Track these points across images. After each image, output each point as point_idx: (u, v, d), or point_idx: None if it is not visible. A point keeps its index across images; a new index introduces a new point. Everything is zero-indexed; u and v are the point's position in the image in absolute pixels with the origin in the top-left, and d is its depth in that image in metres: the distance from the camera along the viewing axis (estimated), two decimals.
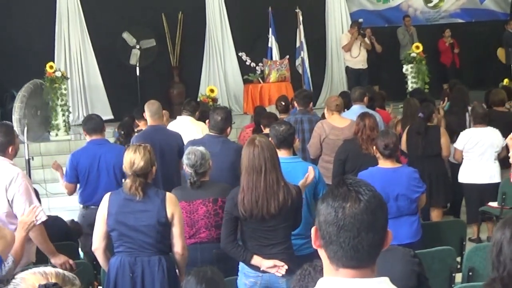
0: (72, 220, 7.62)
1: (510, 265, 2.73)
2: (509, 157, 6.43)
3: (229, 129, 7.44)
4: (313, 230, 2.31)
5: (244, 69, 16.35)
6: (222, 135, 7.25)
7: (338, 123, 8.38)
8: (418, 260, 4.79)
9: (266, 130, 7.96)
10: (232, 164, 6.63)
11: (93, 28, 16.00)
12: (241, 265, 5.35)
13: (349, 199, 2.23)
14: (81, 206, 7.78)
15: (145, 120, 8.53)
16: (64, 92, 13.36)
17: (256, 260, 5.21)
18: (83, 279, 5.86)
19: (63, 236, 6.82)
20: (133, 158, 5.29)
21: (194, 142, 6.95)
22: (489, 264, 2.88)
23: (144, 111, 8.43)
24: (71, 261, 5.89)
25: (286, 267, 5.16)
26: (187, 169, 6.02)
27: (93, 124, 7.82)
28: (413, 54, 15.38)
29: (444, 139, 8.63)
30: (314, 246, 2.32)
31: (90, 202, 7.60)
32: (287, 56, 15.72)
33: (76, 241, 7.23)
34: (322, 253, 2.31)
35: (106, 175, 7.57)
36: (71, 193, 7.91)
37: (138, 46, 15.64)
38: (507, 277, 2.74)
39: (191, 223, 5.96)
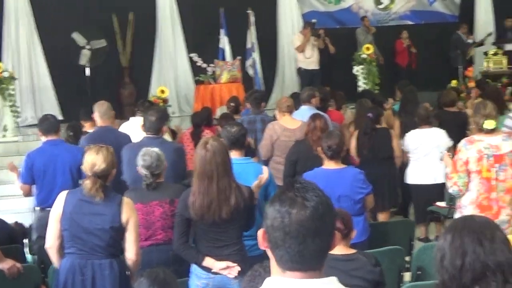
0: (16, 222, 7.51)
1: (451, 269, 2.78)
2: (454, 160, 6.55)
3: (164, 128, 7.40)
4: (260, 232, 2.32)
5: (196, 69, 16.30)
6: (159, 135, 7.20)
7: (289, 125, 8.40)
8: (379, 269, 4.87)
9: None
10: (171, 165, 6.57)
11: (43, 27, 15.80)
12: (193, 266, 5.33)
13: (295, 205, 2.22)
14: (37, 208, 7.69)
15: (91, 121, 8.47)
16: (12, 92, 13.16)
17: (208, 261, 5.19)
18: (31, 282, 5.83)
19: (7, 238, 6.71)
20: (94, 159, 5.24)
21: (132, 146, 6.94)
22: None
23: (91, 112, 8.38)
24: (18, 265, 5.82)
25: (238, 268, 5.15)
26: (142, 171, 5.97)
27: (48, 124, 7.73)
28: (364, 56, 15.53)
29: (395, 141, 8.70)
30: (261, 247, 2.33)
31: (46, 204, 7.47)
32: (239, 57, 15.73)
33: (21, 243, 7.13)
34: (269, 253, 2.31)
35: (62, 175, 7.46)
36: (27, 194, 7.79)
37: (88, 47, 15.49)
38: (449, 281, 2.79)
39: (147, 225, 5.91)
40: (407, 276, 5.94)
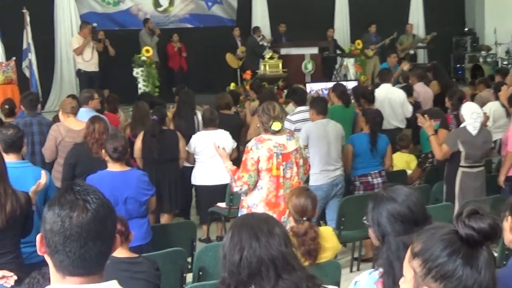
0: None
1: (229, 265, 2.84)
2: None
3: None
4: (38, 237, 2.25)
5: None
6: None
7: (74, 126, 8.25)
8: (159, 273, 4.90)
9: None
10: None
11: None
12: None
13: (76, 208, 2.18)
14: None
15: None
16: None
17: None
18: None
19: None
20: None
21: None
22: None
23: None
24: None
25: (15, 277, 4.97)
26: None
27: None
28: (143, 58, 15.52)
29: (182, 143, 8.75)
30: (39, 253, 2.26)
31: None
32: (14, 58, 15.16)
33: None
34: (48, 260, 2.25)
35: None
36: None
37: None
38: (228, 277, 2.85)
39: None
40: (189, 277, 5.98)
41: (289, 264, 2.87)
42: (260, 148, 6.36)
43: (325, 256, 5.22)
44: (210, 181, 8.80)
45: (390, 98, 11.11)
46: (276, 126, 6.36)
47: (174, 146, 8.69)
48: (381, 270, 3.09)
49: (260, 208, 6.36)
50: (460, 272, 2.10)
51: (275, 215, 6.26)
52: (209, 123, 8.88)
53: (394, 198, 3.16)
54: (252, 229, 2.87)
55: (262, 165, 6.36)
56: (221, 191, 8.55)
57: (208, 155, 8.74)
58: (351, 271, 7.91)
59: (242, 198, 6.66)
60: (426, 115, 8.38)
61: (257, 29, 19.04)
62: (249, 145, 6.50)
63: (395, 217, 3.12)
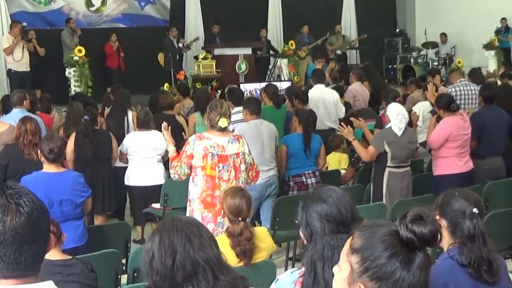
0: None
1: (162, 269, 2.80)
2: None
3: None
4: None
5: None
6: None
7: None
8: (95, 274, 4.85)
9: None
10: None
11: None
12: None
13: (9, 212, 2.14)
14: None
15: None
16: None
17: None
18: None
19: None
20: None
21: None
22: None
23: None
24: None
25: None
26: None
27: None
28: (76, 58, 15.35)
29: (114, 143, 8.68)
30: None
31: None
32: None
33: None
34: None
35: None
36: None
37: None
38: (160, 281, 2.82)
39: None
40: (124, 278, 5.94)
41: (223, 265, 2.88)
42: (197, 145, 6.37)
43: (260, 256, 5.23)
44: (143, 182, 8.75)
45: (324, 98, 11.19)
46: (222, 122, 6.36)
47: (107, 146, 8.61)
48: (303, 269, 3.11)
49: (196, 205, 6.37)
50: (398, 275, 2.14)
51: (210, 215, 6.29)
52: (142, 125, 8.81)
53: (324, 198, 3.18)
54: (183, 232, 2.85)
55: (197, 162, 6.36)
56: (155, 192, 8.51)
57: (141, 156, 8.69)
58: (286, 270, 7.93)
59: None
60: (350, 119, 8.50)
61: (171, 29, 18.80)
62: (189, 139, 6.52)
63: (323, 218, 3.14)
